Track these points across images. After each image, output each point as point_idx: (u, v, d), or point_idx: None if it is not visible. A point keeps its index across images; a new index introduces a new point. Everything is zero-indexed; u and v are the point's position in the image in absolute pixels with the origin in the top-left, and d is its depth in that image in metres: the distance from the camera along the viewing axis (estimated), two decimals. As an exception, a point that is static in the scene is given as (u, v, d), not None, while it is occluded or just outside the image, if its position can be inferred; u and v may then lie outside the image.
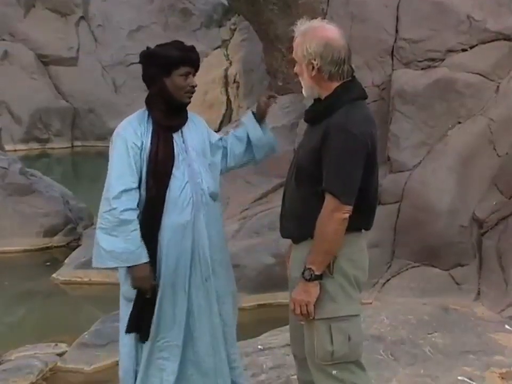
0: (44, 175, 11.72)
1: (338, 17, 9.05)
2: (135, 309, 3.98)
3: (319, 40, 3.45)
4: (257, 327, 6.62)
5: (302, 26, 3.52)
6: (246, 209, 9.33)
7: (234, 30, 19.42)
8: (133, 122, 4.02)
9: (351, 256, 3.51)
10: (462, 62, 8.56)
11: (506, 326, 6.00)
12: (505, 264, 7.71)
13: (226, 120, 16.64)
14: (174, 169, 3.99)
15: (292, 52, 3.58)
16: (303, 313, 3.46)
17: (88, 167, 17.97)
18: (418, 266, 8.10)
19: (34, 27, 20.11)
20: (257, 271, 8.35)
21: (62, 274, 9.22)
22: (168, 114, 4.03)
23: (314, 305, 3.46)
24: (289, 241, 3.74)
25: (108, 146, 4.11)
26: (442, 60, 8.65)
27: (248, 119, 4.29)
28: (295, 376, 4.00)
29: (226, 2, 17.27)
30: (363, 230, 3.60)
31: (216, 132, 4.67)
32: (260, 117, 4.26)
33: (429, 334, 5.61)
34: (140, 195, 3.95)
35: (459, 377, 4.97)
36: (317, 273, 3.42)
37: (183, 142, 4.08)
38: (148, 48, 4.12)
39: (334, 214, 3.39)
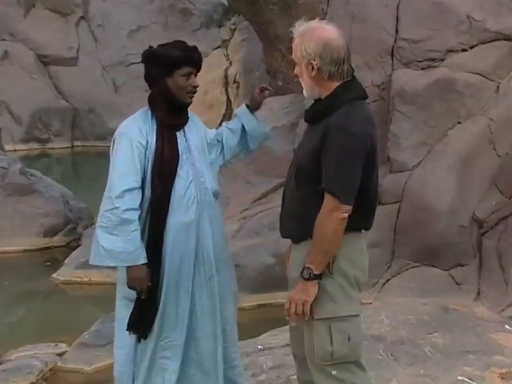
0: (44, 175, 11.72)
1: (338, 17, 9.05)
2: (137, 309, 3.98)
3: (317, 40, 3.45)
4: (257, 327, 6.61)
5: (300, 27, 3.52)
6: (246, 209, 9.33)
7: (234, 30, 19.42)
8: (138, 121, 4.02)
9: (350, 256, 3.51)
10: (462, 62, 8.56)
11: (506, 326, 6.00)
12: (505, 264, 7.72)
13: (226, 120, 16.62)
14: (178, 168, 3.99)
15: (292, 53, 3.58)
16: (298, 313, 3.45)
17: (88, 167, 17.98)
18: (418, 266, 8.11)
19: (34, 27, 20.11)
20: (257, 271, 8.35)
21: (62, 274, 9.23)
22: (170, 114, 4.04)
23: (313, 305, 3.46)
24: (289, 241, 3.74)
25: (108, 146, 4.11)
26: (442, 60, 8.65)
27: (242, 111, 4.33)
28: (295, 376, 3.99)
29: (226, 2, 17.27)
30: (363, 230, 3.60)
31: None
32: (253, 109, 4.31)
33: (429, 334, 5.61)
34: (144, 195, 3.95)
35: (459, 377, 4.97)
36: (315, 272, 3.42)
37: (186, 141, 4.09)
38: (150, 47, 4.12)
39: (333, 213, 3.39)
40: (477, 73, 8.50)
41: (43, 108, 19.38)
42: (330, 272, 3.47)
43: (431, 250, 8.01)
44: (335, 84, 3.50)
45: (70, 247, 10.34)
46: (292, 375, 4.76)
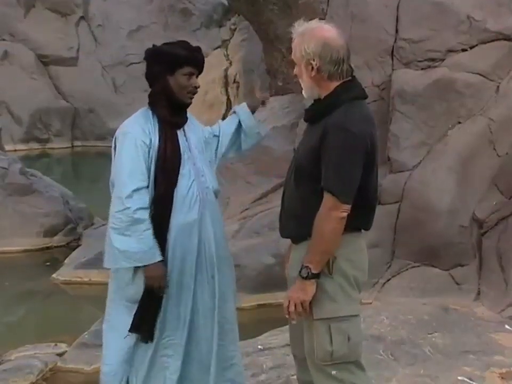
0: (44, 175, 11.71)
1: (338, 17, 9.05)
2: (142, 310, 3.97)
3: (317, 40, 3.45)
4: (257, 327, 6.61)
5: (300, 27, 3.52)
6: (246, 209, 9.33)
7: (234, 30, 19.44)
8: (140, 121, 4.03)
9: (350, 256, 3.51)
10: (462, 62, 8.55)
11: (506, 326, 6.01)
12: (505, 264, 7.71)
13: (226, 120, 16.63)
14: (180, 167, 4.00)
15: (291, 53, 3.58)
16: (297, 312, 3.45)
17: (88, 167, 17.97)
18: (418, 266, 8.10)
19: (34, 27, 20.10)
20: (257, 271, 8.34)
21: (62, 274, 9.22)
22: (171, 112, 4.05)
23: (313, 305, 3.46)
24: (289, 241, 3.74)
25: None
26: (442, 60, 8.65)
27: (241, 108, 4.37)
28: (295, 376, 3.99)
29: (226, 2, 17.27)
30: (362, 230, 3.60)
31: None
32: (251, 109, 4.37)
33: (429, 334, 5.62)
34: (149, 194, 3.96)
35: (459, 377, 4.97)
36: (314, 271, 3.42)
37: (186, 141, 4.11)
38: (153, 45, 4.14)
39: (332, 212, 3.38)
40: (477, 73, 8.49)
41: (43, 108, 19.37)
42: (330, 272, 3.47)
43: (431, 250, 8.01)
44: (335, 84, 3.50)
45: (70, 247, 10.33)
46: (292, 375, 4.76)
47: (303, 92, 3.59)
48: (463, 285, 7.90)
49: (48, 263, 9.96)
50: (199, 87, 4.10)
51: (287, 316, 3.53)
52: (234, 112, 4.40)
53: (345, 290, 3.49)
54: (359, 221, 3.52)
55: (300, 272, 3.44)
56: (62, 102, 19.87)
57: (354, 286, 3.53)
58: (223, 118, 4.87)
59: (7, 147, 14.92)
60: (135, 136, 3.96)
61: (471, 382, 4.93)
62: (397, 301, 7.31)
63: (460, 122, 8.38)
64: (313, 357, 3.54)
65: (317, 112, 3.55)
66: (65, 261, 9.57)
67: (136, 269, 3.96)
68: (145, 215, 3.89)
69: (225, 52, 18.78)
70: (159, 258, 3.91)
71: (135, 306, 4.00)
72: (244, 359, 4.88)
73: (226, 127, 4.36)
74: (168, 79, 4.02)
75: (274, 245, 8.19)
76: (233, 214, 9.20)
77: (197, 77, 4.10)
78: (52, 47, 20.17)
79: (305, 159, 3.51)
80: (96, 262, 8.90)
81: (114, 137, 4.07)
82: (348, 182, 3.40)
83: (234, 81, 17.50)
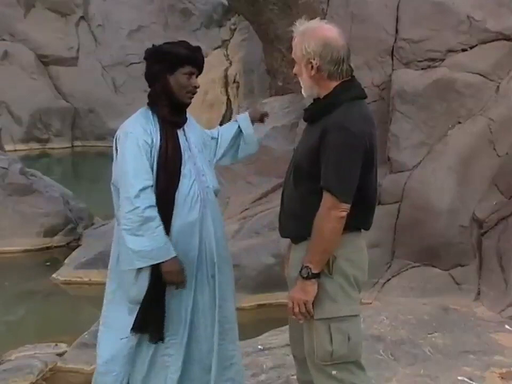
0: (44, 175, 11.70)
1: (338, 17, 9.05)
2: (146, 310, 3.97)
3: (317, 40, 3.46)
4: (257, 327, 6.61)
5: (301, 26, 3.53)
6: (246, 209, 9.33)
7: (234, 30, 19.43)
8: (140, 120, 4.04)
9: (350, 256, 3.50)
10: (462, 62, 8.55)
11: (506, 326, 6.01)
12: (505, 264, 7.71)
13: (226, 120, 16.62)
14: (181, 167, 4.01)
15: (292, 52, 3.58)
16: (302, 312, 3.46)
17: (88, 167, 17.97)
18: (418, 266, 8.10)
19: (34, 27, 20.10)
20: (257, 271, 8.34)
21: (62, 274, 9.22)
22: (172, 111, 4.06)
23: (313, 305, 3.46)
24: (289, 241, 3.74)
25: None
26: (442, 60, 8.64)
27: (243, 117, 4.44)
28: (295, 376, 3.99)
29: (226, 2, 17.26)
30: (362, 230, 3.60)
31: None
32: (251, 119, 4.45)
33: (429, 334, 5.62)
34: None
35: (459, 377, 4.97)
36: (314, 271, 3.42)
37: (186, 140, 4.12)
38: (153, 45, 4.14)
39: (331, 212, 3.38)
40: (477, 73, 8.49)
41: (43, 108, 19.36)
42: (330, 272, 3.47)
43: (431, 250, 8.01)
44: (334, 83, 3.50)
45: (70, 247, 10.33)
46: (292, 375, 4.76)
47: (303, 91, 3.59)
48: (463, 285, 7.90)
49: (48, 263, 9.96)
50: (199, 87, 4.11)
51: (293, 317, 3.53)
52: (236, 120, 4.45)
53: (345, 290, 3.49)
54: (358, 220, 3.52)
55: (300, 272, 3.44)
56: (62, 102, 19.86)
57: (354, 286, 3.53)
58: (223, 118, 4.91)
59: (7, 147, 14.92)
60: (137, 136, 3.96)
61: (471, 382, 4.93)
62: (397, 301, 7.31)
63: (459, 122, 8.38)
64: (313, 357, 3.54)
65: (316, 112, 3.55)
66: (65, 261, 9.56)
67: (139, 269, 3.96)
68: (155, 212, 3.90)
69: (225, 52, 18.77)
70: (174, 253, 3.92)
71: (137, 308, 3.99)
72: (244, 359, 4.88)
73: (226, 132, 4.41)
74: (168, 79, 4.02)
75: (274, 245, 8.19)
76: (233, 214, 9.20)
77: (196, 77, 4.11)
78: (52, 47, 20.16)
79: (304, 158, 3.51)
80: (96, 262, 8.92)
81: (115, 137, 4.07)
82: (347, 181, 3.40)
83: (234, 81, 17.50)
